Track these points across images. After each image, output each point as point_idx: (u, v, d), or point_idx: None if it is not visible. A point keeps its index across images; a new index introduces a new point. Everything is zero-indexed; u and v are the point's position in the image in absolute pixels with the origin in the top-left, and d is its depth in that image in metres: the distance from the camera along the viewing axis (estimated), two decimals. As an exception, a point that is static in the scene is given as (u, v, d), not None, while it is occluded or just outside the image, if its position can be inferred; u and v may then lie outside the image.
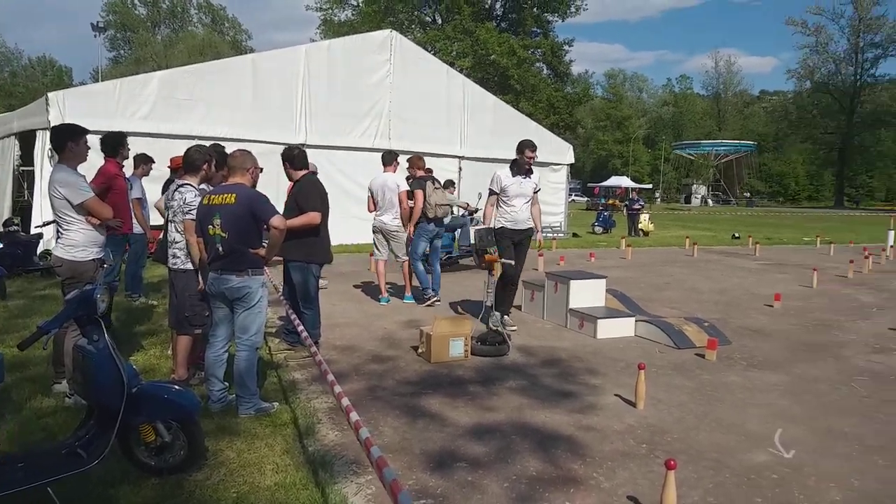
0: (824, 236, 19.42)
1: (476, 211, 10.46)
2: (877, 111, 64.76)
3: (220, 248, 3.96)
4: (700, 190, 69.30)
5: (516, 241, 6.50)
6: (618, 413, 4.33)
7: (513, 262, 6.29)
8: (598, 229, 21.35)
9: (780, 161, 77.55)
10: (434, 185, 7.90)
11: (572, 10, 48.09)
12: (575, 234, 18.93)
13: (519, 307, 7.69)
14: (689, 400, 4.64)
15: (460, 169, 15.96)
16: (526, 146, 6.46)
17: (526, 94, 42.28)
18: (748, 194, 68.88)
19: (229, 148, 4.81)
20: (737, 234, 20.20)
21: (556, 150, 18.35)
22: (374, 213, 7.86)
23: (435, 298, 7.85)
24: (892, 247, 16.60)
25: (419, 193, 7.71)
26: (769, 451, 3.76)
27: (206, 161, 4.54)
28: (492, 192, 6.57)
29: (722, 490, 3.26)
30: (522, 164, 6.44)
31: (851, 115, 65.19)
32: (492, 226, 6.44)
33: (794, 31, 78.33)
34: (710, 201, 66.04)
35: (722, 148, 73.27)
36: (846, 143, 65.97)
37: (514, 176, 6.47)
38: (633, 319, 6.65)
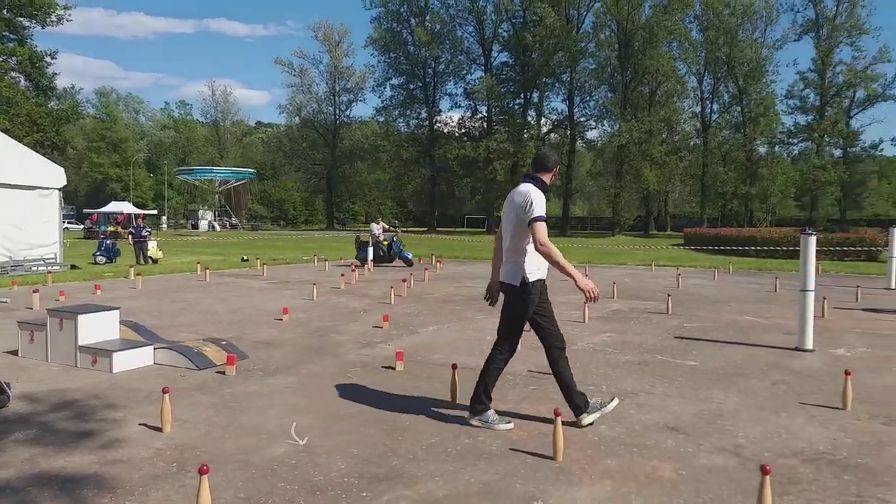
0: (320, 254, 22.22)
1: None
2: (353, 147, 76.41)
3: None
4: (207, 215, 70.31)
5: (543, 297, 4.61)
6: (144, 440, 4.32)
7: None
8: (102, 259, 19.87)
9: (279, 188, 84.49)
10: None
11: (53, 18, 43.37)
12: (74, 266, 17.14)
13: (15, 352, 6.75)
14: (214, 414, 4.92)
15: (-90, 193, 12.86)
16: (557, 161, 4.67)
17: (0, 107, 36.31)
18: (253, 219, 73.15)
19: None
20: (245, 257, 21.34)
21: (45, 173, 16.39)
22: None
23: None
24: (371, 260, 20.07)
25: None
26: (287, 443, 4.31)
27: None
28: (542, 220, 4.30)
29: (251, 484, 3.64)
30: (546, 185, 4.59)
31: (334, 149, 75.43)
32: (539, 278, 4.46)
33: (283, 70, 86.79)
34: (217, 226, 67.53)
35: (224, 174, 76.02)
36: (332, 173, 75.85)
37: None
38: (151, 348, 6.56)
